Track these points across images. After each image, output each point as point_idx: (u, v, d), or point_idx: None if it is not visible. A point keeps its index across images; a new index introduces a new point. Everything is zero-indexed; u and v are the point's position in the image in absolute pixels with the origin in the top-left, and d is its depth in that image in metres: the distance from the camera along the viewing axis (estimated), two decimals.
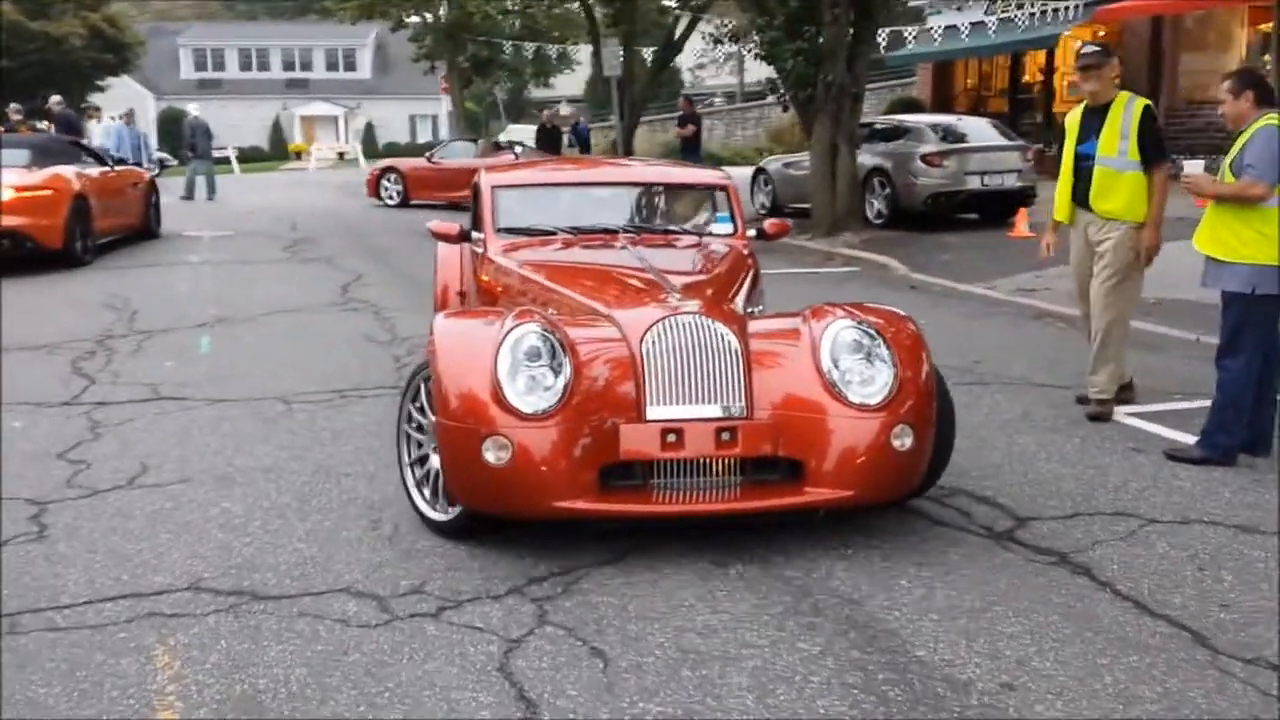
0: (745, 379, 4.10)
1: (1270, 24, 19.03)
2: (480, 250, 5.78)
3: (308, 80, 57.65)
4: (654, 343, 4.12)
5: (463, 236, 6.02)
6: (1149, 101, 5.97)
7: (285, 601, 3.72)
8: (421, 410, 4.41)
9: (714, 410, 4.05)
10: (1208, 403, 6.15)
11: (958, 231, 14.19)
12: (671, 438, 3.98)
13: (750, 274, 5.44)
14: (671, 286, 4.60)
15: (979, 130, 15.18)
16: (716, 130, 39.88)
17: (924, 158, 14.14)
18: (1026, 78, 24.70)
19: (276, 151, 52.55)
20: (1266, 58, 18.94)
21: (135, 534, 4.34)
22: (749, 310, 4.92)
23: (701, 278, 5.08)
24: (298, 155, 51.85)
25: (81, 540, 4.28)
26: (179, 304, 9.71)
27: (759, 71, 50.82)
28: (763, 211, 16.16)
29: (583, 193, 6.37)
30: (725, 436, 4.01)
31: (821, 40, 13.45)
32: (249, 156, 46.21)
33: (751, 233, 6.06)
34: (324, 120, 56.25)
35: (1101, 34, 23.08)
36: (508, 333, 4.06)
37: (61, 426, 5.88)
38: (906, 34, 22.53)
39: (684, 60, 40.11)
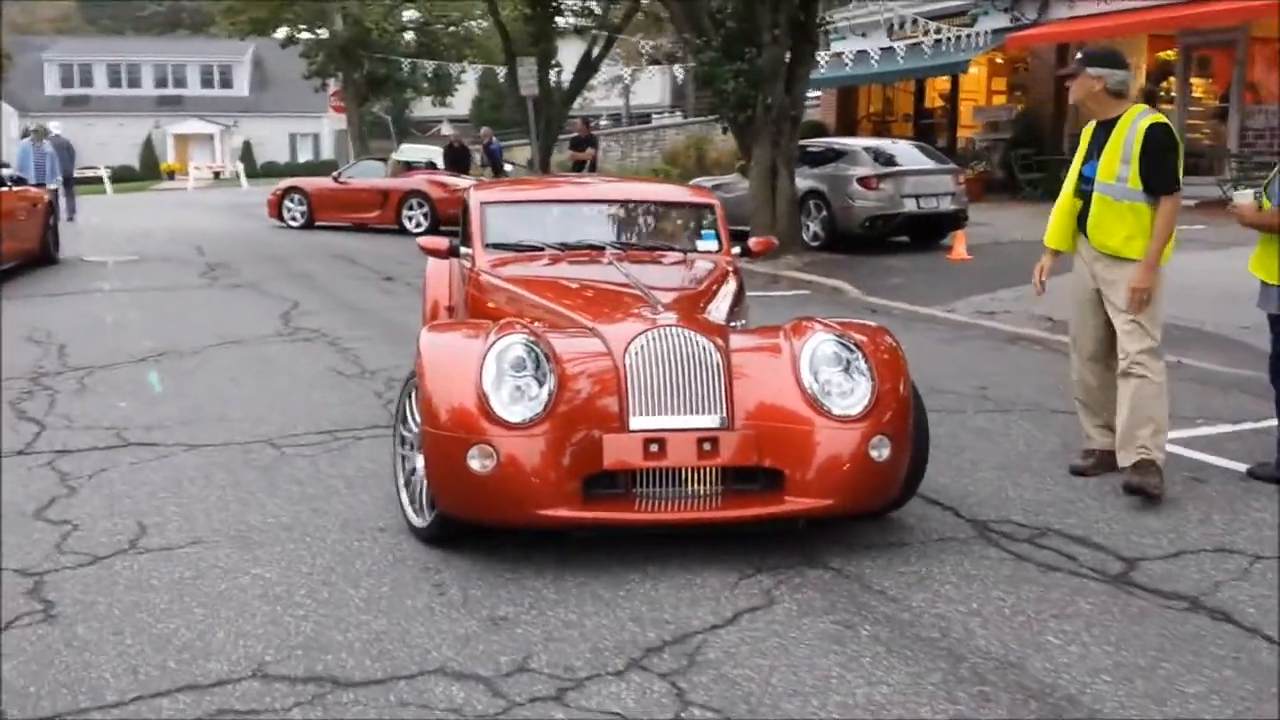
0: (726, 390, 4.15)
1: (1172, 50, 19.72)
2: (469, 265, 5.80)
3: (181, 97, 55.55)
4: (637, 354, 4.17)
5: (451, 252, 6.06)
6: (1161, 118, 5.05)
7: (376, 688, 3.23)
8: (405, 421, 4.50)
9: (696, 421, 4.10)
10: (1233, 427, 6.14)
11: (895, 254, 14.17)
12: (654, 447, 4.03)
13: (734, 289, 5.50)
14: (655, 300, 4.64)
15: (909, 153, 15.23)
16: (612, 152, 39.66)
17: (861, 180, 14.10)
18: (928, 103, 25.14)
19: (148, 171, 50.42)
20: (1168, 82, 19.60)
21: (163, 610, 3.77)
22: (733, 324, 4.93)
23: (685, 292, 5.15)
24: (171, 175, 49.86)
25: (101, 620, 3.69)
26: (108, 336, 8.92)
27: (646, 95, 51.18)
28: None
29: (570, 209, 6.38)
30: (707, 446, 4.05)
31: (760, 61, 13.29)
32: (120, 176, 44.17)
33: (736, 249, 6.11)
34: (199, 138, 54.24)
35: (999, 60, 23.74)
36: (493, 343, 4.10)
37: (26, 480, 5.20)
38: (820, 58, 22.64)
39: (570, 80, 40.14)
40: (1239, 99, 17.59)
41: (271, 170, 51.67)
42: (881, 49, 22.35)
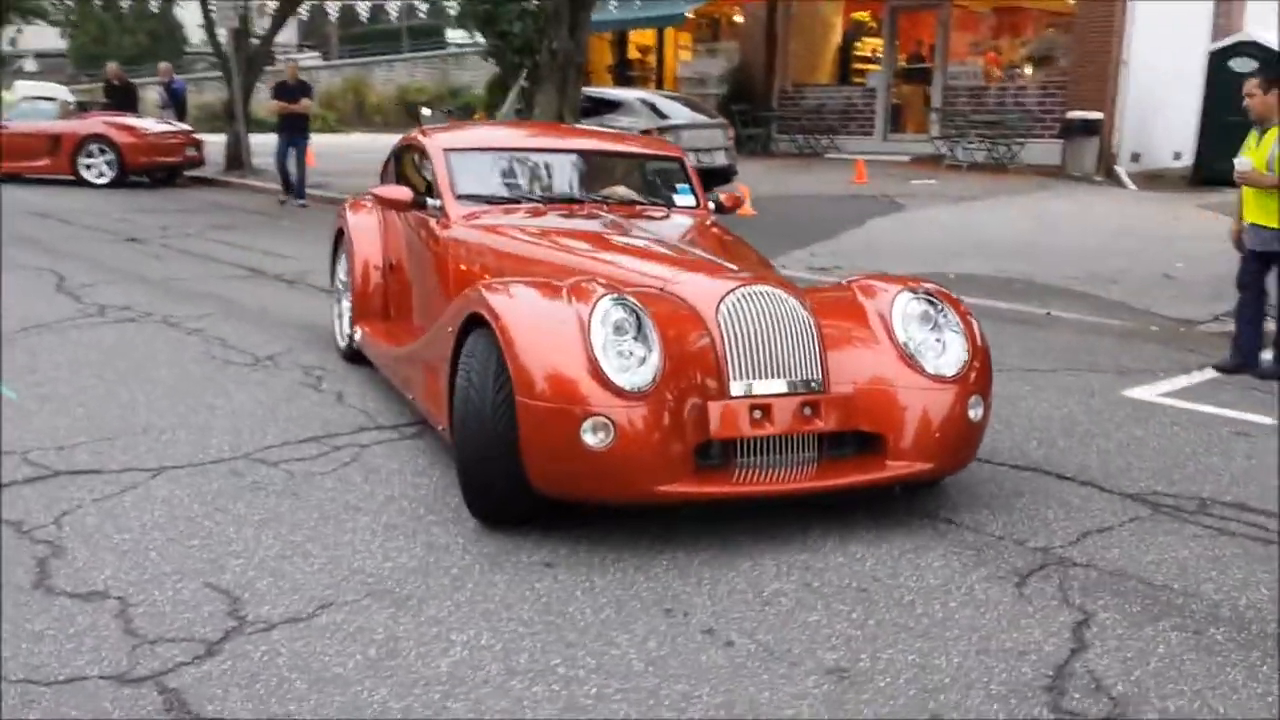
0: (820, 351, 3.96)
1: (866, 13, 20.86)
2: (437, 219, 5.31)
3: None
4: (728, 315, 3.91)
5: (416, 204, 5.49)
6: None
7: None
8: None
9: (795, 384, 3.90)
10: (1192, 378, 6.42)
11: None
12: (757, 414, 3.81)
13: (748, 247, 5.28)
14: (719, 258, 4.43)
15: (675, 108, 15.06)
16: (260, 94, 36.49)
17: (644, 134, 13.73)
18: (630, 55, 25.12)
19: None
20: (863, 43, 20.74)
21: (400, 711, 2.77)
22: None
23: (727, 249, 4.86)
24: None
25: None
26: None
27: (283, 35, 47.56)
28: None
29: (539, 158, 5.94)
30: (807, 411, 3.87)
31: (541, 4, 12.54)
32: None
33: (711, 204, 5.90)
34: None
35: (689, 14, 24.06)
36: (593, 305, 3.72)
37: None
38: None
39: (192, 16, 35.47)
40: (943, 59, 18.90)
41: None
42: None
